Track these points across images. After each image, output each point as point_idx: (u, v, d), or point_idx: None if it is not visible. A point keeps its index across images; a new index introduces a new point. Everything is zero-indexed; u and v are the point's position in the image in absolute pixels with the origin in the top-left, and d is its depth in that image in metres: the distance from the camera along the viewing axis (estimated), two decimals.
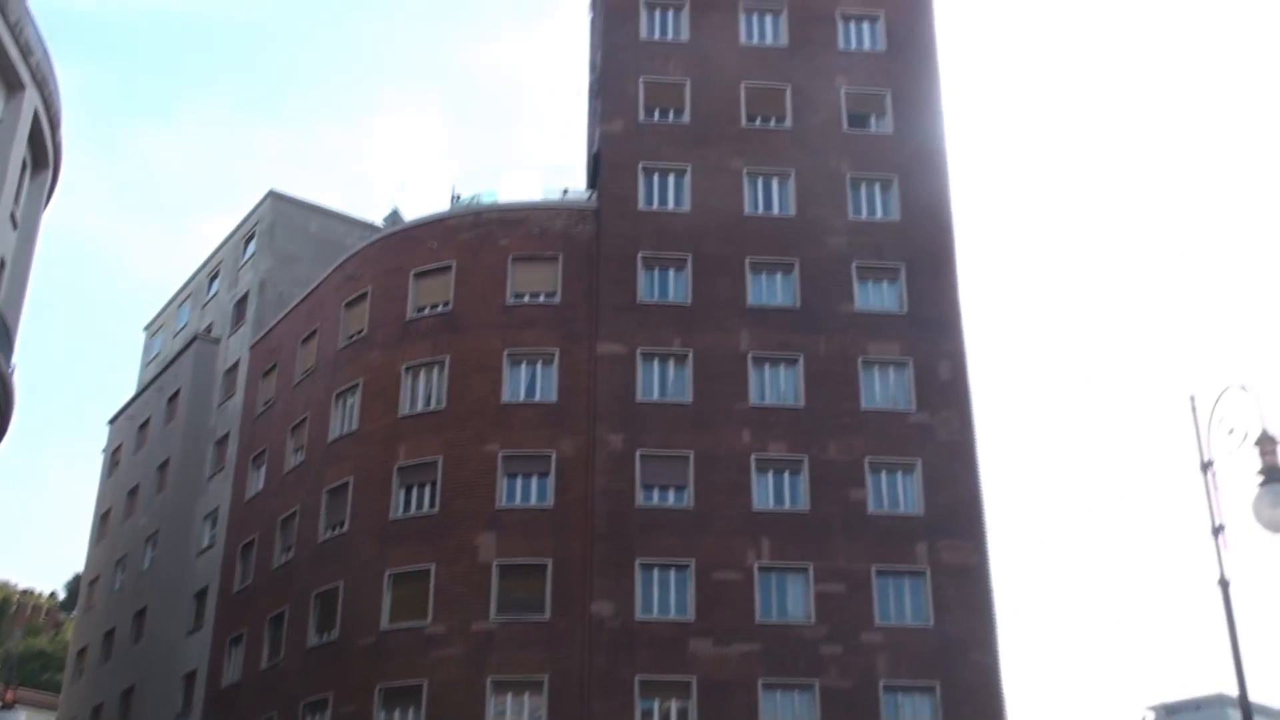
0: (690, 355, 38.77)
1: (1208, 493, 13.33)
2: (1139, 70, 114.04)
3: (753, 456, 37.62)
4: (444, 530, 36.97)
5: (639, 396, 38.40)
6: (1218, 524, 13.19)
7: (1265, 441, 12.66)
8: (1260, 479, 12.51)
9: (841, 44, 43.34)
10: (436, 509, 37.47)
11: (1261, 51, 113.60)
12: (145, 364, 59.73)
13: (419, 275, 41.03)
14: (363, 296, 41.96)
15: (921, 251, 40.62)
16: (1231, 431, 12.96)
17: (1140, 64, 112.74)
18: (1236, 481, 12.88)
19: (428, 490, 37.90)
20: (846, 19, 43.63)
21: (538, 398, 38.77)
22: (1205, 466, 13.43)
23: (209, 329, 52.40)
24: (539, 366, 38.98)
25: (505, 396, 38.65)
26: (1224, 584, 13.15)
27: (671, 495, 37.49)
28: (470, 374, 38.90)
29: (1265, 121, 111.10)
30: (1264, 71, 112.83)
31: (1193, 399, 13.71)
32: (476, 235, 41.20)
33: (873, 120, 42.49)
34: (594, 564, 36.25)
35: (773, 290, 40.03)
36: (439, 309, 40.39)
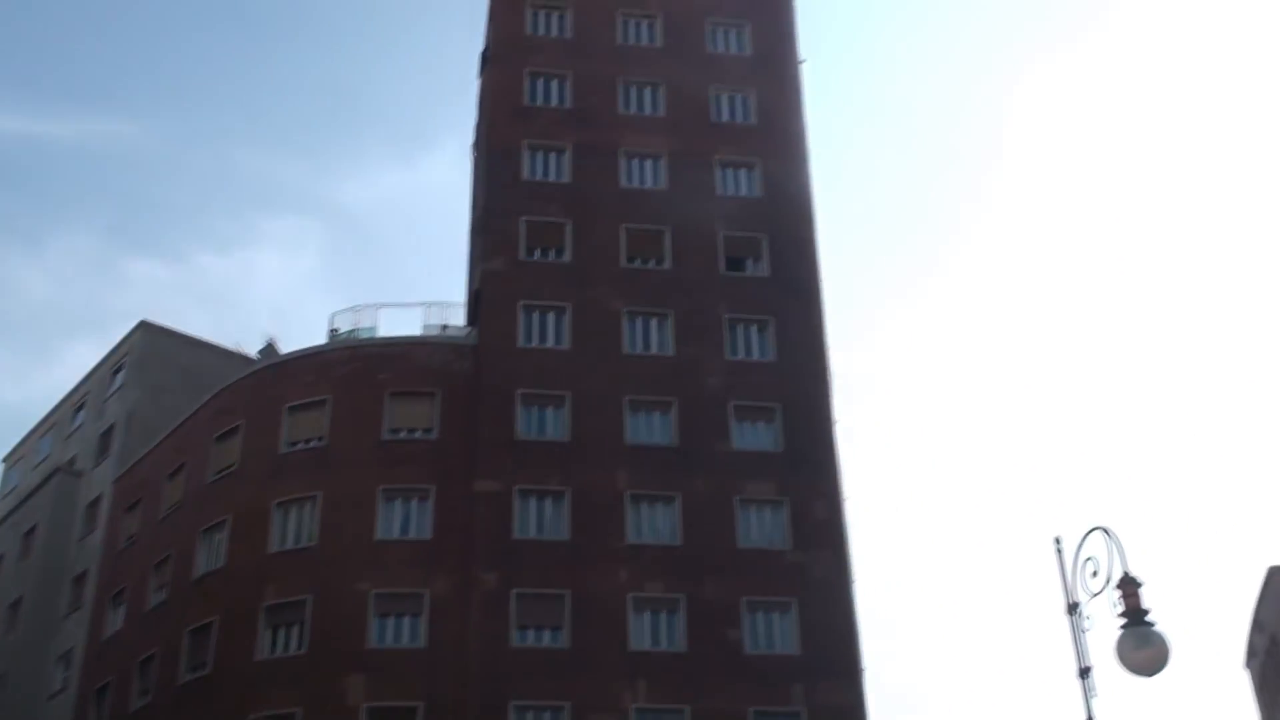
0: (568, 493, 38.59)
1: (1073, 635, 13.56)
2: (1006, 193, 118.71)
3: (630, 596, 37.34)
4: (312, 672, 35.80)
5: (515, 534, 38.00)
6: (1084, 666, 13.40)
7: (1127, 584, 12.98)
8: (1122, 621, 12.80)
9: (719, 189, 44.41)
10: (305, 650, 36.33)
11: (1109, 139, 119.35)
12: (2, 496, 57.47)
13: (293, 409, 40.39)
14: (234, 430, 41.11)
15: (797, 392, 41.26)
16: (1095, 574, 13.26)
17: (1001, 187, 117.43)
18: (1104, 622, 13.13)
19: (296, 630, 36.78)
20: (724, 165, 44.78)
21: (412, 535, 38.13)
22: (1071, 609, 13.67)
23: (72, 461, 50.72)
24: (414, 503, 38.40)
25: (379, 534, 37.93)
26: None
27: (547, 635, 36.92)
28: (343, 510, 38.15)
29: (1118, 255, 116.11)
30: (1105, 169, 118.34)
31: (1058, 541, 14.01)
32: (353, 370, 40.83)
33: (749, 263, 43.42)
34: (468, 707, 35.37)
35: (651, 429, 40.23)
36: (313, 444, 39.73)
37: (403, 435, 39.69)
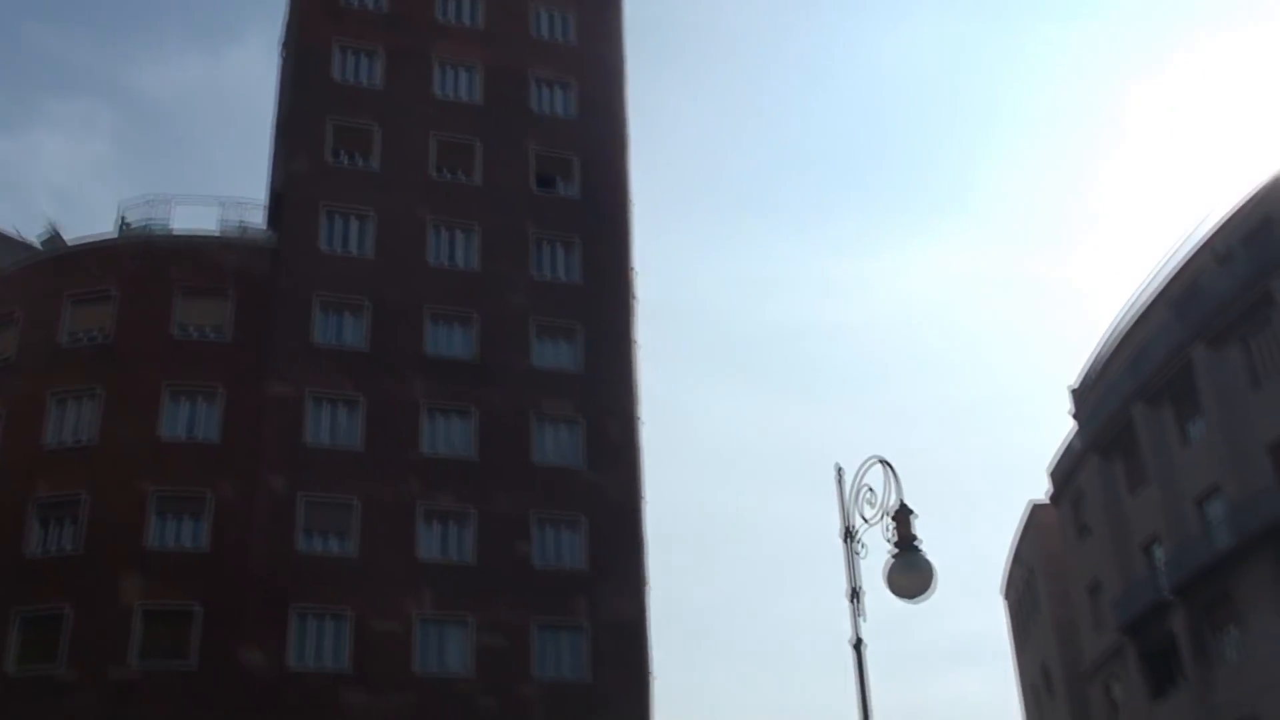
0: (363, 401, 38.26)
1: (847, 559, 14.27)
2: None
3: (420, 506, 37.39)
4: (85, 570, 34.79)
5: (307, 440, 37.54)
6: (854, 588, 14.13)
7: (901, 512, 13.73)
8: (893, 548, 13.56)
9: (534, 106, 44.16)
10: (78, 548, 35.24)
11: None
12: None
13: (76, 301, 38.75)
14: (11, 319, 39.21)
15: (600, 313, 41.67)
16: (871, 503, 13.96)
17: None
18: (879, 549, 13.85)
19: (69, 527, 35.62)
20: (540, 82, 44.50)
21: (199, 436, 37.24)
22: (846, 534, 14.37)
23: None
24: (202, 404, 37.46)
25: (163, 433, 36.93)
26: (857, 645, 14.08)
27: (334, 542, 36.71)
28: (126, 408, 36.95)
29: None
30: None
31: (839, 470, 14.68)
32: (143, 264, 39.38)
33: (560, 183, 43.41)
34: (246, 610, 34.98)
35: (451, 341, 40.11)
36: (96, 338, 38.27)
37: (193, 334, 38.58)
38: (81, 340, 38.28)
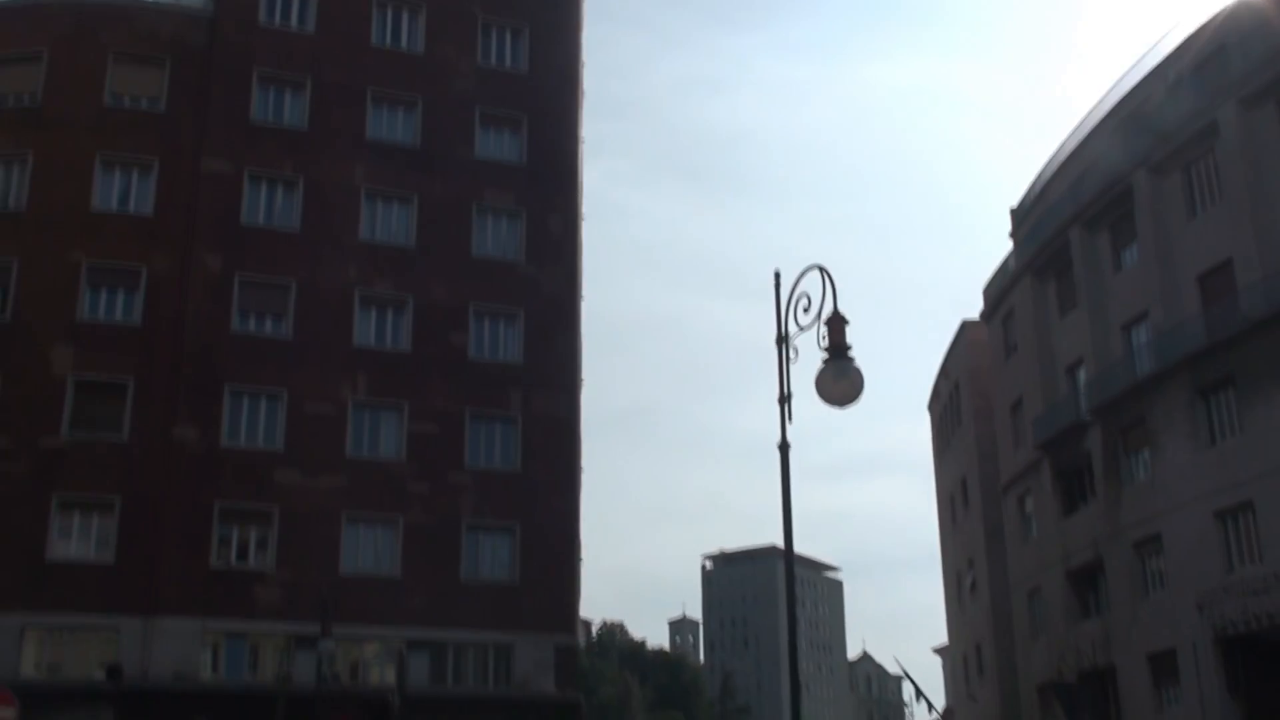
0: (301, 182, 37.64)
1: (780, 364, 14.44)
2: None
3: (357, 291, 37.24)
4: (14, 340, 34.49)
5: (243, 219, 37.01)
6: (785, 393, 14.34)
7: (835, 320, 13.83)
8: (825, 356, 13.71)
9: None
10: (7, 317, 34.84)
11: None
12: None
13: (3, 61, 37.34)
14: None
15: (546, 105, 40.96)
16: (807, 310, 14.04)
17: None
18: (811, 359, 13.97)
19: None
20: None
21: (132, 209, 36.58)
22: (780, 340, 14.50)
23: None
24: (135, 175, 36.68)
25: (95, 204, 36.21)
26: (784, 448, 14.36)
27: (270, 324, 36.60)
28: (56, 175, 36.07)
29: None
30: None
31: (777, 275, 14.71)
32: (75, 26, 37.86)
33: None
34: (180, 387, 35.02)
35: (393, 126, 39.34)
36: (24, 101, 37.03)
37: (127, 103, 37.49)
38: (9, 102, 37.05)
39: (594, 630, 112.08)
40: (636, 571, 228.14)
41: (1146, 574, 39.07)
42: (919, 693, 50.80)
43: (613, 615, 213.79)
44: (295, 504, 34.88)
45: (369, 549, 35.70)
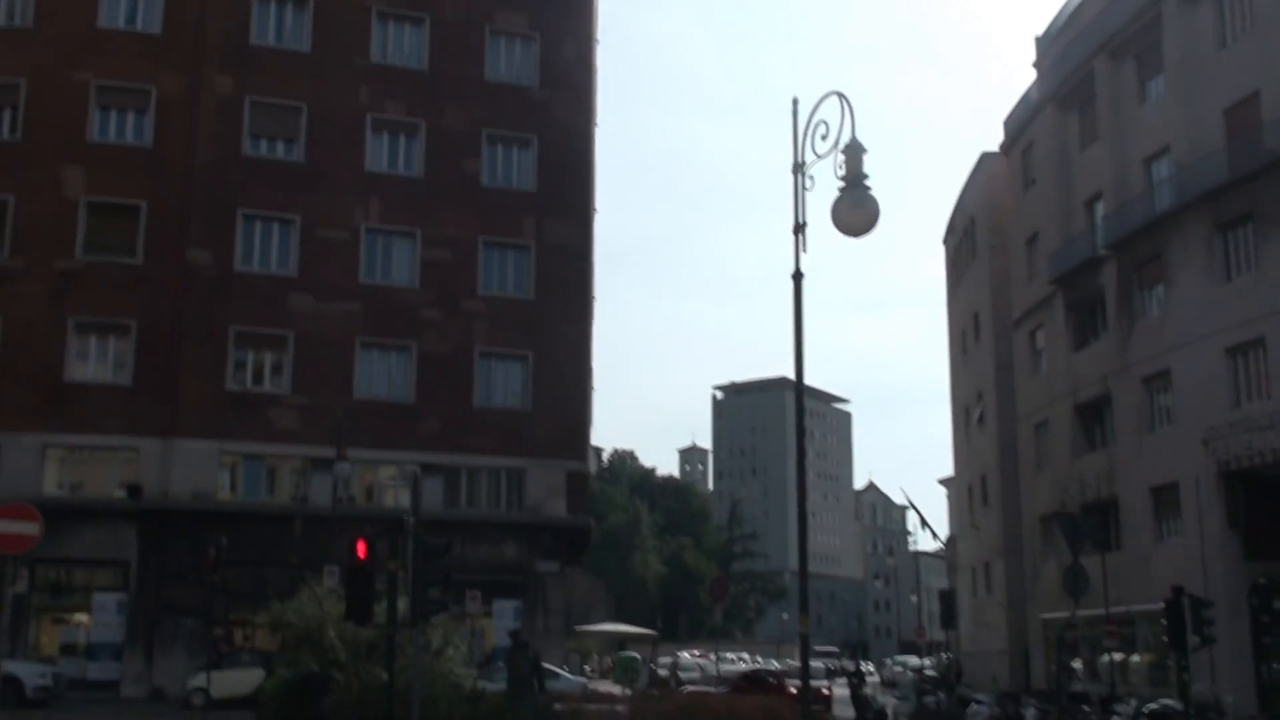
0: (311, 1, 36.85)
1: (796, 192, 14.29)
2: None
3: (369, 115, 36.80)
4: (25, 160, 34.25)
5: (253, 39, 36.37)
6: (800, 222, 14.23)
7: (852, 148, 13.61)
8: (841, 183, 13.54)
9: None
10: (18, 136, 34.55)
11: None
12: None
13: None
14: None
15: None
16: (825, 137, 13.82)
17: None
18: (828, 189, 13.81)
19: (8, 115, 34.76)
20: None
21: (139, 26, 35.92)
22: (797, 168, 14.31)
23: None
24: None
25: (102, 20, 35.55)
26: (797, 277, 14.32)
27: (281, 147, 36.28)
28: None
29: None
30: None
31: (795, 102, 14.45)
32: None
33: None
34: (192, 210, 34.92)
35: None
36: None
37: None
38: None
39: (604, 457, 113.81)
40: (648, 402, 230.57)
41: (1154, 409, 39.35)
42: (923, 521, 51.85)
43: (624, 444, 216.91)
44: (309, 329, 35.09)
45: (383, 375, 36.04)
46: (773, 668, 52.38)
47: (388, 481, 36.19)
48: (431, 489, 34.83)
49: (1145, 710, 21.61)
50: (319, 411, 34.12)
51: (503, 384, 37.13)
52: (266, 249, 35.61)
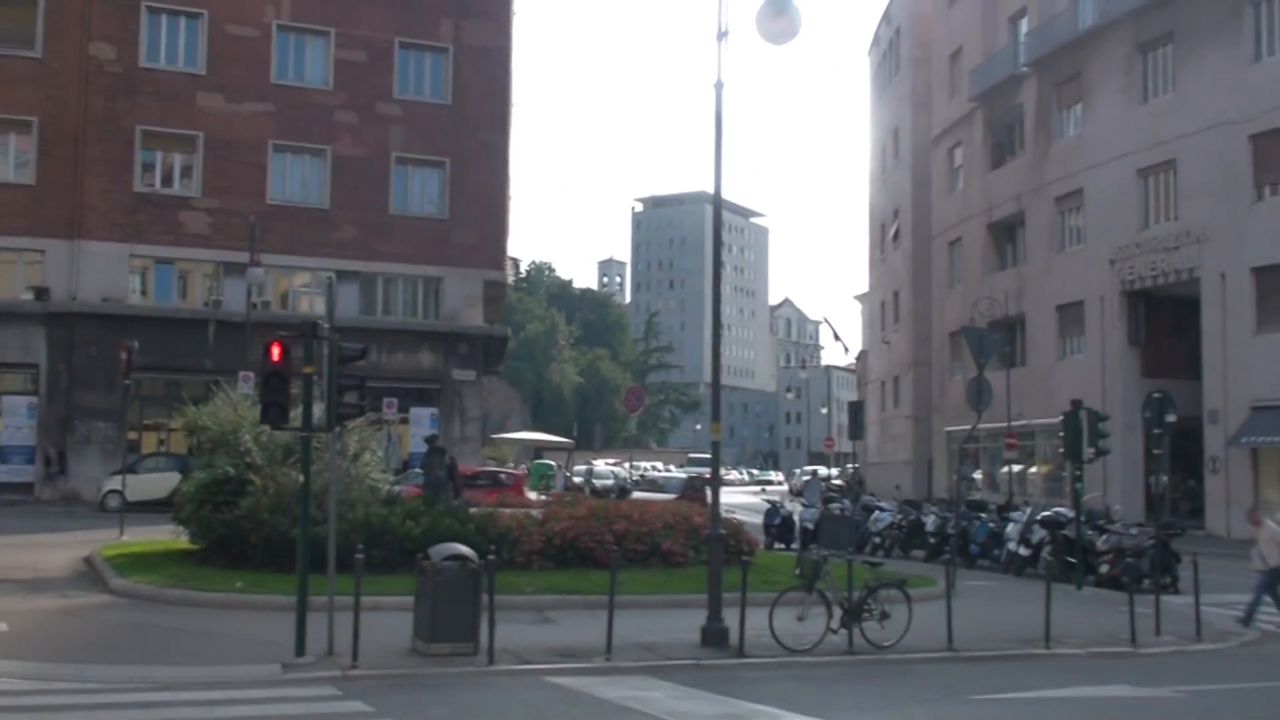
0: None
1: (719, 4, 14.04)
2: None
3: None
4: None
5: None
6: (722, 29, 14.04)
7: None
8: None
9: None
10: None
11: None
12: None
13: None
14: None
15: None
16: None
17: None
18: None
19: None
20: None
21: None
22: None
23: None
24: None
25: None
26: (718, 86, 14.20)
27: None
28: None
29: None
30: None
31: None
32: None
33: None
34: (93, 1, 33.43)
35: None
36: None
37: None
38: None
39: (523, 268, 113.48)
40: (568, 214, 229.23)
41: (1065, 229, 40.02)
42: (835, 335, 52.54)
43: (543, 256, 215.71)
44: (220, 130, 34.16)
45: (296, 179, 35.38)
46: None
47: (303, 289, 35.86)
48: (348, 296, 34.66)
49: (1038, 517, 22.51)
50: (231, 215, 33.53)
51: (420, 191, 36.64)
52: (173, 45, 34.33)
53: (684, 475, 50.05)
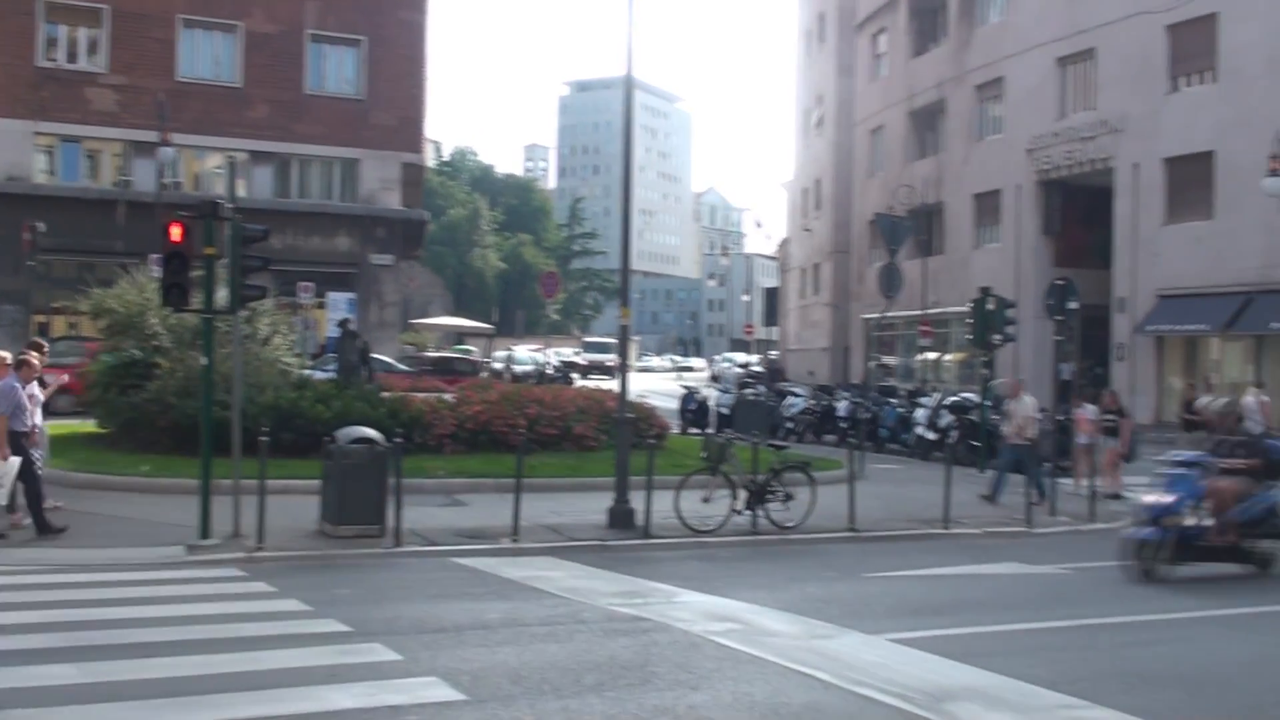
0: None
1: None
2: None
3: None
4: None
5: None
6: None
7: None
8: None
9: None
10: None
11: None
12: None
13: None
14: None
15: None
16: None
17: None
18: None
19: None
20: None
21: None
22: None
23: None
24: None
25: None
26: None
27: None
28: None
29: None
30: None
31: None
32: None
33: None
34: None
35: None
36: None
37: None
38: None
39: (445, 152, 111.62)
40: (493, 99, 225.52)
41: (984, 118, 40.20)
42: (758, 223, 52.60)
43: (468, 142, 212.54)
44: (126, 3, 33.03)
45: (207, 55, 34.41)
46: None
47: (216, 170, 35.09)
48: (261, 178, 34.05)
49: (946, 402, 23.00)
50: (140, 93, 32.60)
51: (335, 70, 35.82)
52: (73, 43, 32.98)
53: (531, 365, 44.22)
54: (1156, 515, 11.35)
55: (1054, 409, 21.98)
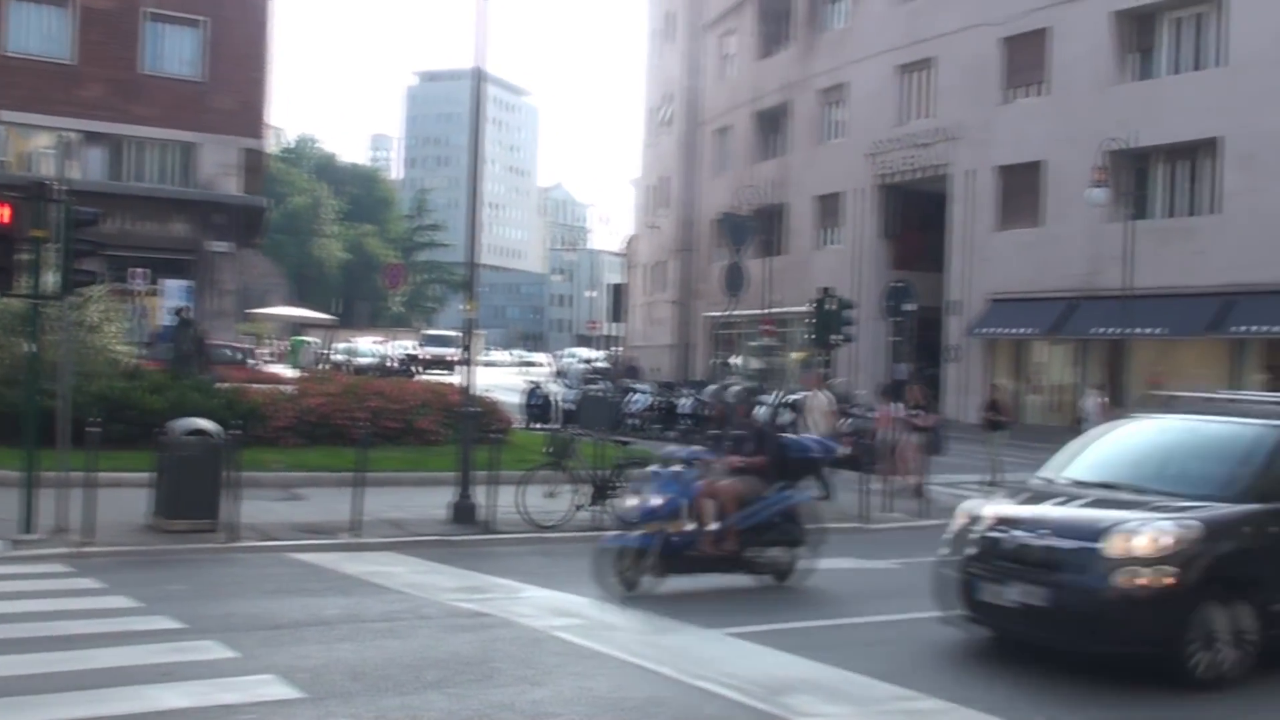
0: None
1: None
2: None
3: None
4: None
5: None
6: None
7: None
8: None
9: None
10: None
11: None
12: None
13: None
14: None
15: None
16: None
17: None
18: None
19: None
20: None
21: None
22: None
23: None
24: None
25: None
26: None
27: None
28: None
29: None
30: None
31: None
32: None
33: None
34: None
35: None
36: None
37: None
38: None
39: (289, 139, 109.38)
40: (340, 87, 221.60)
41: (827, 121, 41.08)
42: (604, 219, 52.76)
43: (313, 130, 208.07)
44: None
45: (38, 29, 33.02)
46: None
47: (46, 150, 33.68)
48: (94, 160, 32.85)
49: (786, 400, 23.40)
50: None
51: (174, 50, 34.71)
52: None
53: (373, 357, 45.32)
54: (641, 519, 10.06)
55: (866, 407, 22.56)
